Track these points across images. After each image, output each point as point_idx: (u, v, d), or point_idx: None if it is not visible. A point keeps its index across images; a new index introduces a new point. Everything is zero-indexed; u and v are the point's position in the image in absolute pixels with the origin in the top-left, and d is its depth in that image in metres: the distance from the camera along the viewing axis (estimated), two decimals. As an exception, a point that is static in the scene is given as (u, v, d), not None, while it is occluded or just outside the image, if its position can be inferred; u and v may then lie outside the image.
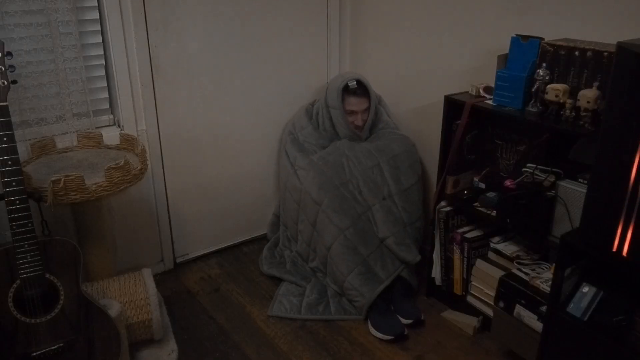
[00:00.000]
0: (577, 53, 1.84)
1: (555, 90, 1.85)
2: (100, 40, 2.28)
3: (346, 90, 2.60)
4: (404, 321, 2.31)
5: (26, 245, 1.67)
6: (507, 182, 2.02)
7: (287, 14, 2.74)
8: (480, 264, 2.19)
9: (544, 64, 1.92)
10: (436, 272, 2.43)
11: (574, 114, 1.84)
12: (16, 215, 1.65)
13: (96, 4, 2.22)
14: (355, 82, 2.59)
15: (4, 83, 1.64)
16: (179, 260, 2.80)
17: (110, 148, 2.26)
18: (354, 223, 2.43)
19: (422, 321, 2.35)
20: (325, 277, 2.55)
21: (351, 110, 2.61)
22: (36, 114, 2.19)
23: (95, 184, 1.88)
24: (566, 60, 1.88)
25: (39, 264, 1.70)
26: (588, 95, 1.76)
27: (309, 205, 2.53)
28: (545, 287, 1.88)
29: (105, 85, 2.37)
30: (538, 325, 1.88)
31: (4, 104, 1.64)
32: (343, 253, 2.41)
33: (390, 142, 2.60)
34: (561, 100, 1.85)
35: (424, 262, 2.49)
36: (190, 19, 2.45)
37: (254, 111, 2.80)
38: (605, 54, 1.76)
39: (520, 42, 2.00)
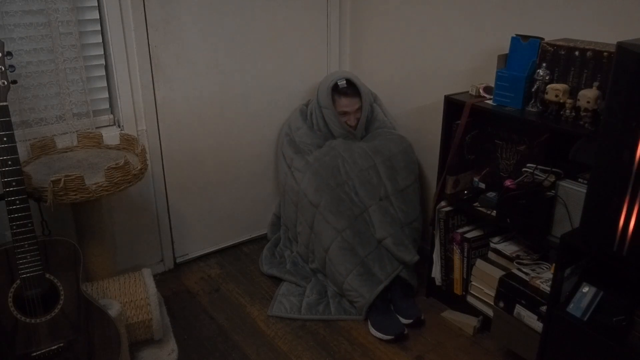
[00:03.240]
0: (577, 53, 1.84)
1: (555, 90, 1.86)
2: (100, 40, 2.29)
3: (336, 90, 2.59)
4: (404, 321, 2.31)
5: (26, 245, 1.67)
6: (507, 182, 2.02)
7: (287, 14, 2.74)
8: (480, 264, 2.19)
9: (544, 64, 1.92)
10: (436, 272, 2.43)
11: (574, 114, 1.84)
12: (16, 215, 1.65)
13: (96, 4, 2.22)
14: (344, 82, 2.58)
15: (4, 83, 1.64)
16: (179, 260, 2.80)
17: (110, 148, 2.26)
18: (350, 224, 2.43)
19: (422, 321, 2.35)
20: (326, 278, 2.55)
21: (343, 111, 2.61)
22: (36, 114, 2.19)
23: (95, 184, 1.88)
24: (566, 60, 1.88)
25: (39, 264, 1.70)
26: (588, 95, 1.75)
27: (306, 207, 2.53)
28: (545, 287, 1.88)
29: (105, 85, 2.37)
30: (538, 325, 1.88)
31: (4, 104, 1.64)
32: (341, 254, 2.41)
33: (386, 142, 2.59)
34: (561, 100, 1.85)
35: (423, 262, 2.49)
36: (190, 19, 2.45)
37: (254, 111, 2.80)
38: (605, 53, 1.76)
39: (520, 42, 2.00)
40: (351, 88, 2.60)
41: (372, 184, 2.50)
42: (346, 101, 2.60)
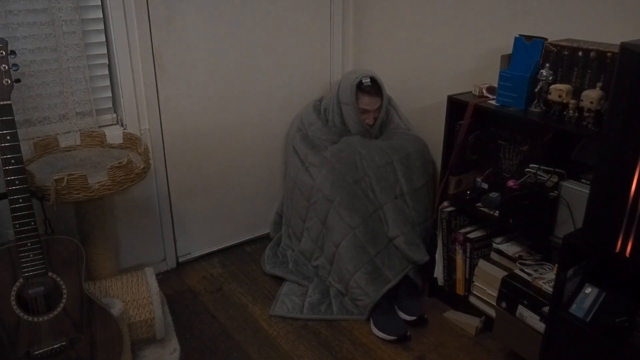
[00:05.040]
0: (580, 53, 1.84)
1: (559, 91, 1.85)
2: (104, 40, 2.29)
3: (359, 88, 2.59)
4: (407, 317, 2.31)
5: (29, 244, 1.67)
6: (510, 183, 2.02)
7: (291, 13, 2.74)
8: (482, 264, 2.19)
9: (547, 64, 1.92)
10: (438, 273, 2.43)
11: (577, 114, 1.83)
12: (19, 213, 1.65)
13: (99, 3, 2.23)
14: (369, 80, 2.58)
15: (7, 82, 1.64)
16: (181, 259, 2.81)
17: (113, 147, 2.26)
18: (364, 221, 2.43)
19: (425, 319, 2.35)
20: (329, 276, 2.55)
21: (364, 109, 2.61)
22: (39, 112, 2.19)
23: (98, 182, 1.88)
24: (569, 60, 1.88)
25: (42, 263, 1.70)
26: (591, 96, 1.75)
27: (320, 202, 2.52)
28: (548, 288, 1.88)
29: (109, 84, 2.37)
30: (540, 326, 1.87)
31: (8, 102, 1.64)
32: (351, 251, 2.40)
33: (403, 142, 2.60)
34: (564, 101, 1.85)
35: (426, 262, 2.48)
36: (193, 18, 2.45)
37: (257, 110, 2.80)
38: (609, 54, 1.76)
39: (523, 42, 2.00)
40: (374, 87, 2.61)
41: (388, 182, 2.50)
42: (369, 99, 2.60)
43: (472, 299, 2.28)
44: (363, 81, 2.58)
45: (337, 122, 2.69)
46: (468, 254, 2.27)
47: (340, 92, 2.65)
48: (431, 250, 2.44)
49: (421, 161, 2.58)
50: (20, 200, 1.65)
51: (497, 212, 2.10)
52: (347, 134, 2.68)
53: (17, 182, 1.65)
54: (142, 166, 2.03)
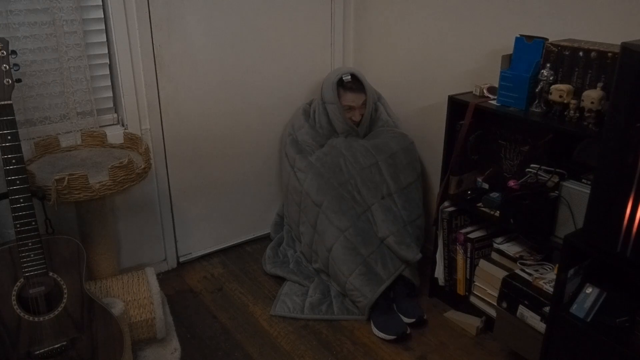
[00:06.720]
0: (581, 53, 1.84)
1: (559, 91, 1.85)
2: (105, 40, 2.29)
3: (342, 85, 2.59)
4: (407, 320, 2.30)
5: (30, 244, 1.68)
6: (511, 183, 2.02)
7: (291, 13, 2.75)
8: (483, 264, 2.19)
9: (548, 64, 1.92)
10: (439, 273, 2.43)
11: (578, 114, 1.83)
12: (20, 213, 1.66)
13: (100, 3, 2.23)
14: (349, 76, 2.58)
15: (8, 82, 1.64)
16: (182, 259, 2.81)
17: (114, 147, 2.26)
18: (353, 223, 2.43)
19: (425, 320, 2.35)
20: (329, 279, 2.55)
21: (349, 106, 2.61)
22: (40, 112, 2.19)
23: (99, 182, 1.88)
24: (570, 60, 1.88)
25: (43, 263, 1.71)
26: (592, 96, 1.75)
27: (309, 207, 2.53)
28: (549, 288, 1.88)
29: (109, 84, 2.37)
30: (541, 326, 1.87)
31: (9, 102, 1.64)
32: (344, 254, 2.40)
33: (388, 140, 2.59)
34: (565, 101, 1.85)
35: (427, 262, 2.49)
36: (194, 18, 2.45)
37: (258, 110, 2.80)
38: (610, 54, 1.76)
39: (524, 42, 2.00)
40: (356, 83, 2.60)
41: (374, 182, 2.50)
42: (352, 96, 2.60)
43: (472, 299, 2.28)
44: (343, 78, 2.58)
45: (324, 123, 2.67)
46: (469, 254, 2.27)
47: (323, 92, 2.65)
48: (430, 250, 2.44)
49: (407, 159, 2.57)
50: (21, 200, 1.66)
51: (498, 212, 2.10)
52: (334, 135, 2.67)
53: (18, 182, 1.65)
54: (142, 166, 2.03)
